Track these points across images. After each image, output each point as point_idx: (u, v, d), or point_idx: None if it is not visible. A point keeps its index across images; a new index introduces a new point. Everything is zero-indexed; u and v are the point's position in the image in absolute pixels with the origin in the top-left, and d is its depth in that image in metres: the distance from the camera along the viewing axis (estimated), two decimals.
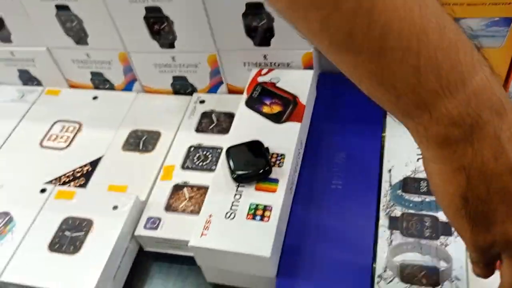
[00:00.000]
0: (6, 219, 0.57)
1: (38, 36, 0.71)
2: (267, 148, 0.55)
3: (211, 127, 0.67)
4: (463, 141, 0.31)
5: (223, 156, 0.55)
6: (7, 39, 0.73)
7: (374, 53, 0.30)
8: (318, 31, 0.31)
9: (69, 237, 0.54)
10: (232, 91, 0.71)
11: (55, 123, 0.72)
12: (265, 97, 0.62)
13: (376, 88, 0.32)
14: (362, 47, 0.30)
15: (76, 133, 0.70)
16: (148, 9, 0.63)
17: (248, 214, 0.50)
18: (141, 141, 0.66)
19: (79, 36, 0.69)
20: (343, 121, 0.63)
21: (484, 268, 0.36)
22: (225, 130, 0.65)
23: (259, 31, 0.62)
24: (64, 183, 0.62)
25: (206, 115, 0.68)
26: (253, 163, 0.53)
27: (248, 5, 0.60)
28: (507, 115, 0.31)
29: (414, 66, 0.29)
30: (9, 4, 0.68)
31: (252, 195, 0.51)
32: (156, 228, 0.56)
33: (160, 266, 0.57)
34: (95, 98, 0.75)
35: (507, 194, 0.32)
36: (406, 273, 0.46)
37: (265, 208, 0.50)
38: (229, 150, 0.55)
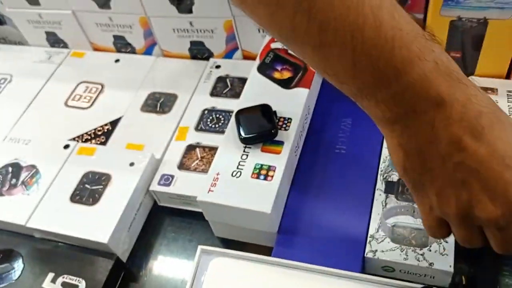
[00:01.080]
0: (33, 171, 0.62)
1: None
2: (275, 112, 0.57)
3: (225, 91, 0.69)
4: (398, 124, 0.35)
5: (233, 118, 0.58)
6: (35, 2, 0.77)
7: (315, 46, 0.34)
8: (267, 24, 0.35)
9: (89, 189, 0.59)
10: (247, 57, 0.73)
11: (79, 84, 0.76)
12: (277, 63, 0.64)
13: (323, 74, 0.37)
14: (304, 41, 0.34)
15: (98, 94, 0.74)
16: None
17: (253, 173, 0.53)
18: (159, 103, 0.70)
19: (101, 1, 0.72)
20: None
21: (436, 229, 0.40)
22: (238, 94, 0.68)
23: None
24: (86, 141, 0.67)
25: (221, 80, 0.71)
26: (259, 126, 0.55)
27: None
28: (445, 107, 0.33)
29: (350, 61, 0.33)
30: None
31: (258, 155, 0.54)
32: (169, 184, 0.59)
33: (172, 220, 0.61)
34: (117, 61, 0.79)
35: (436, 173, 0.35)
36: (397, 234, 0.49)
37: (269, 168, 0.53)
38: (238, 113, 0.58)
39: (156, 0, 0.69)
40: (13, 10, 0.79)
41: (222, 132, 0.63)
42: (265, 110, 0.57)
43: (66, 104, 0.73)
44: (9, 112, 0.73)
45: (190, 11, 0.69)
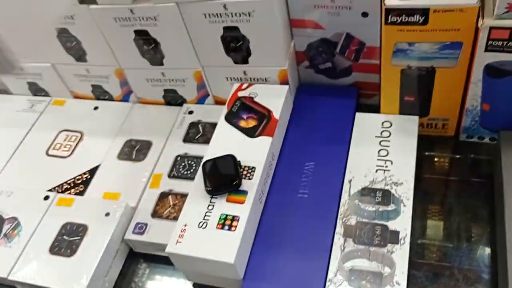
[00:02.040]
0: (15, 223, 0.66)
1: (43, 54, 0.78)
2: (239, 162, 0.61)
3: (197, 137, 0.73)
4: None
5: (200, 169, 0.62)
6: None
7: None
8: None
9: (67, 241, 0.62)
10: (218, 101, 0.77)
11: (60, 132, 0.79)
12: (243, 112, 0.68)
13: None
14: None
15: (78, 142, 0.77)
16: (137, 32, 0.69)
17: (218, 223, 0.56)
18: (134, 150, 0.73)
19: (79, 54, 0.76)
20: (316, 132, 0.69)
21: None
22: (209, 140, 0.71)
23: (237, 51, 0.68)
24: (65, 190, 0.70)
25: (193, 125, 0.75)
26: (224, 177, 0.59)
27: (225, 29, 0.66)
28: None
29: None
30: (17, 28, 0.75)
31: (223, 206, 0.58)
32: (143, 233, 0.63)
33: (149, 265, 0.65)
34: (96, 108, 0.82)
35: None
36: (353, 277, 0.53)
37: (233, 219, 0.56)
38: (205, 164, 0.61)
39: (129, 55, 0.73)
40: None
41: (194, 178, 0.67)
42: (229, 160, 0.61)
43: (47, 153, 0.77)
44: None
45: (161, 64, 0.73)
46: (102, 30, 0.70)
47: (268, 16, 0.63)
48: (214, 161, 0.61)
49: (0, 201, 0.69)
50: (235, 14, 0.63)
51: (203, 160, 0.62)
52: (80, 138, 0.78)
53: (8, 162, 0.77)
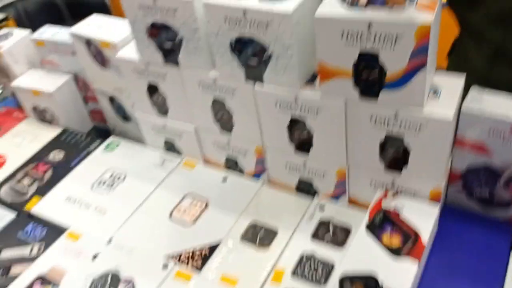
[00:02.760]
0: (129, 285, 0.64)
1: (190, 116, 0.79)
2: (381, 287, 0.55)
3: (326, 237, 0.69)
4: None
5: (335, 279, 0.57)
6: (164, 112, 0.82)
7: None
8: None
9: None
10: (353, 202, 0.73)
11: (186, 195, 0.79)
12: (387, 226, 0.63)
13: None
14: None
15: (202, 211, 0.76)
16: (292, 120, 0.67)
17: None
18: (258, 236, 0.70)
19: (226, 126, 0.76)
20: (461, 266, 0.62)
21: None
22: (339, 242, 0.67)
23: (395, 158, 0.64)
24: (183, 261, 0.68)
25: (324, 224, 0.71)
26: None
27: (387, 137, 0.62)
28: None
29: None
30: (174, 88, 0.77)
31: None
32: None
33: None
34: (224, 179, 0.81)
35: None
36: None
37: None
38: (343, 282, 0.56)
39: (276, 136, 0.71)
40: (141, 115, 0.85)
41: (319, 283, 0.62)
42: (371, 283, 0.55)
43: (170, 215, 0.76)
44: (118, 213, 0.77)
45: (307, 151, 0.70)
46: (258, 109, 0.70)
47: (439, 134, 0.59)
48: (353, 280, 0.56)
49: (119, 256, 0.68)
50: (404, 125, 0.60)
51: (340, 272, 0.57)
52: (205, 207, 0.76)
53: (132, 216, 0.76)
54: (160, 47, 0.71)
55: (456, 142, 0.64)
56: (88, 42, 0.83)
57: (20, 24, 1.89)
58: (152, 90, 0.79)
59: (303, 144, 0.70)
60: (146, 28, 0.70)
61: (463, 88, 0.62)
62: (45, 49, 0.94)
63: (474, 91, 0.63)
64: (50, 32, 0.94)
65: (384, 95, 0.58)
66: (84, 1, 2.05)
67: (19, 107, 1.04)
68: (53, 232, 0.76)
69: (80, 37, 0.83)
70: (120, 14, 0.75)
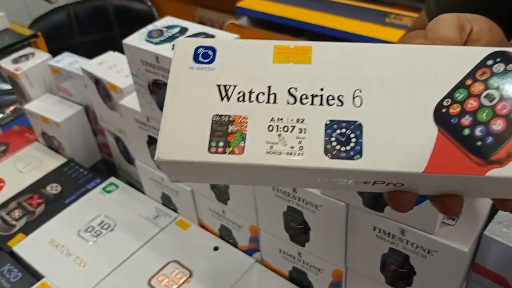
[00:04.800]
0: None
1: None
2: None
3: None
4: None
5: None
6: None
7: None
8: None
9: None
10: None
11: (169, 262, 0.72)
12: None
13: None
14: None
15: (183, 283, 0.69)
16: (289, 208, 0.60)
17: None
18: None
19: (222, 196, 0.69)
20: None
21: None
22: None
23: (397, 273, 0.56)
24: None
25: None
26: None
27: (390, 249, 0.54)
28: None
29: None
30: None
31: None
32: None
33: None
34: (216, 249, 0.75)
35: None
36: None
37: None
38: None
39: (272, 222, 0.64)
40: (140, 164, 0.80)
41: None
42: None
43: (149, 283, 0.70)
44: (96, 269, 0.72)
45: (303, 245, 0.63)
46: (255, 192, 0.63)
47: (451, 262, 0.50)
48: None
49: None
50: (411, 246, 0.51)
51: None
52: (187, 278, 0.70)
53: (109, 275, 0.71)
54: (160, 106, 0.66)
55: (473, 268, 0.55)
56: (97, 81, 0.79)
57: (68, 27, 1.90)
58: (152, 142, 0.74)
59: (300, 236, 0.62)
60: (147, 84, 0.65)
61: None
62: (60, 76, 0.91)
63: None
64: (67, 60, 0.90)
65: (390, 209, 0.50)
66: (132, 9, 2.04)
67: (31, 128, 1.01)
68: (26, 280, 0.71)
69: (90, 74, 0.79)
70: None
